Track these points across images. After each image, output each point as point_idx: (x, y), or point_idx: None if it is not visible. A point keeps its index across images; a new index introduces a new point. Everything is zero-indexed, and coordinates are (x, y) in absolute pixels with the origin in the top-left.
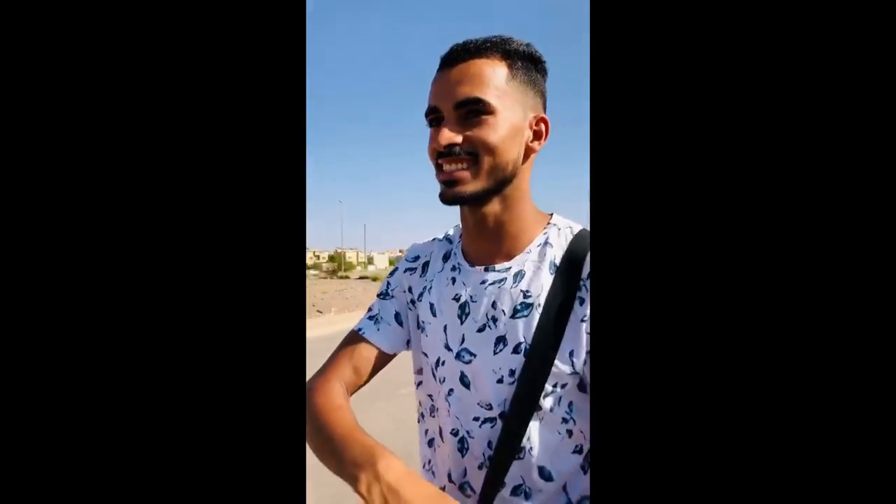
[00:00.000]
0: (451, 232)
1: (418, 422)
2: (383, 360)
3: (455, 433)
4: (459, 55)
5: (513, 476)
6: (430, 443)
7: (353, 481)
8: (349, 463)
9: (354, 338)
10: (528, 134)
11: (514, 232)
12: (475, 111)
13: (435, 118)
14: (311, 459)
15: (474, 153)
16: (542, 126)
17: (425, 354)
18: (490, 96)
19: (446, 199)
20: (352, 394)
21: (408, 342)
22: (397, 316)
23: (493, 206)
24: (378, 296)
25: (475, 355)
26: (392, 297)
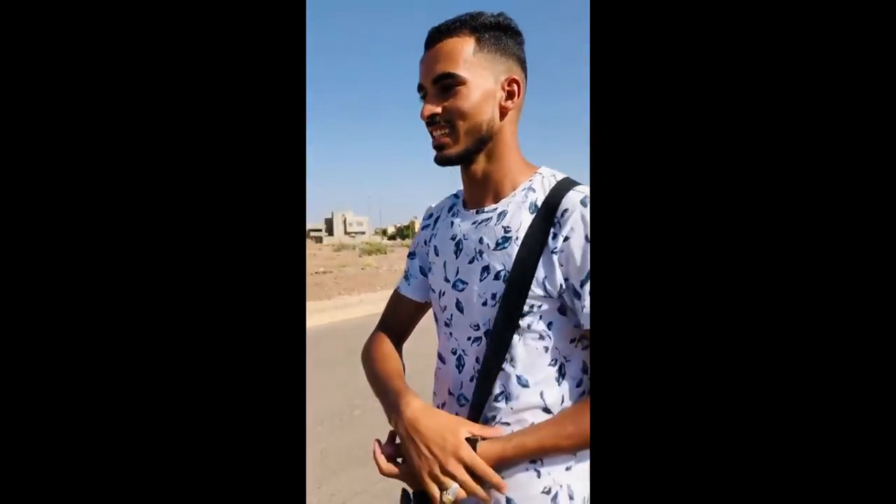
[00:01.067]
0: (461, 188)
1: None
2: (419, 308)
3: (454, 352)
4: (435, 37)
5: (497, 385)
6: (440, 360)
7: (390, 421)
8: (386, 407)
9: (395, 296)
10: (501, 94)
11: (500, 179)
12: (449, 84)
13: (423, 94)
14: (311, 460)
15: (451, 120)
16: (515, 86)
17: (433, 290)
18: (460, 69)
19: (437, 161)
20: (404, 340)
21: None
22: (422, 269)
23: (480, 162)
24: (408, 256)
25: (466, 283)
26: (416, 253)
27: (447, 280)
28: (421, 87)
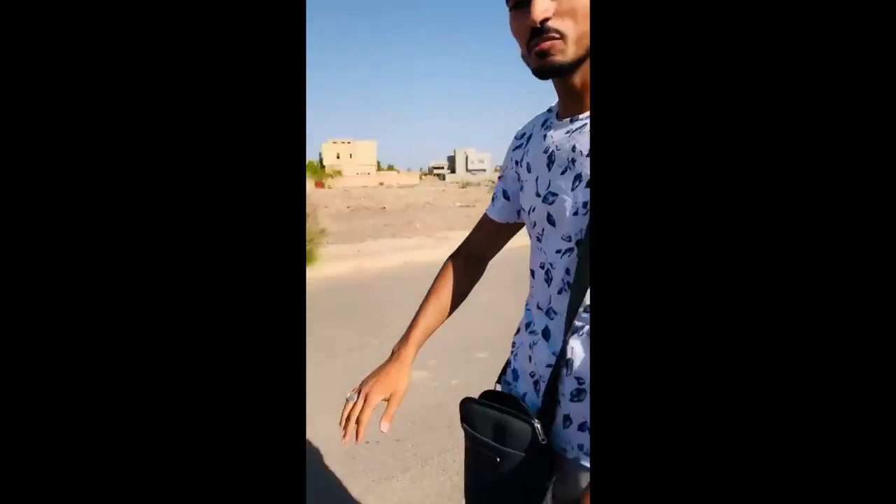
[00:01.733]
0: (553, 104)
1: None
2: (502, 229)
3: (542, 266)
4: None
5: (587, 296)
6: (531, 275)
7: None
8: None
9: (484, 218)
10: None
11: None
12: None
13: (518, 2)
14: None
15: (562, 25)
16: None
17: (524, 209)
18: None
19: (543, 70)
20: (485, 258)
21: (519, 212)
22: (505, 193)
23: (581, 71)
24: (499, 178)
25: (556, 195)
26: (503, 176)
27: (538, 195)
28: None
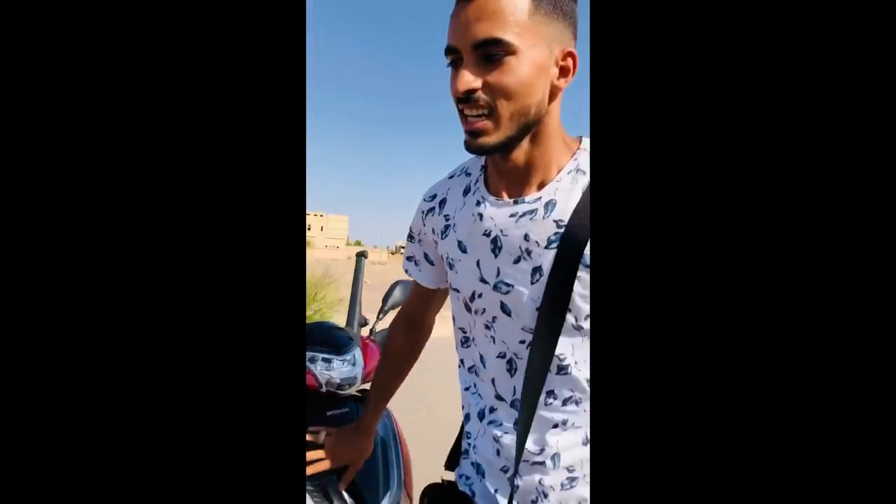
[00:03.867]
0: (468, 164)
1: (457, 350)
2: (434, 293)
3: (503, 356)
4: None
5: (565, 389)
6: (471, 369)
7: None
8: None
9: (414, 283)
10: (555, 71)
11: (545, 165)
12: (495, 53)
13: (454, 59)
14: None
15: (493, 100)
16: (570, 61)
17: (456, 290)
18: (510, 35)
19: (471, 149)
20: (431, 319)
21: (443, 290)
22: (426, 256)
23: (521, 149)
24: (408, 238)
25: (511, 286)
26: (420, 240)
27: (484, 281)
28: (452, 50)
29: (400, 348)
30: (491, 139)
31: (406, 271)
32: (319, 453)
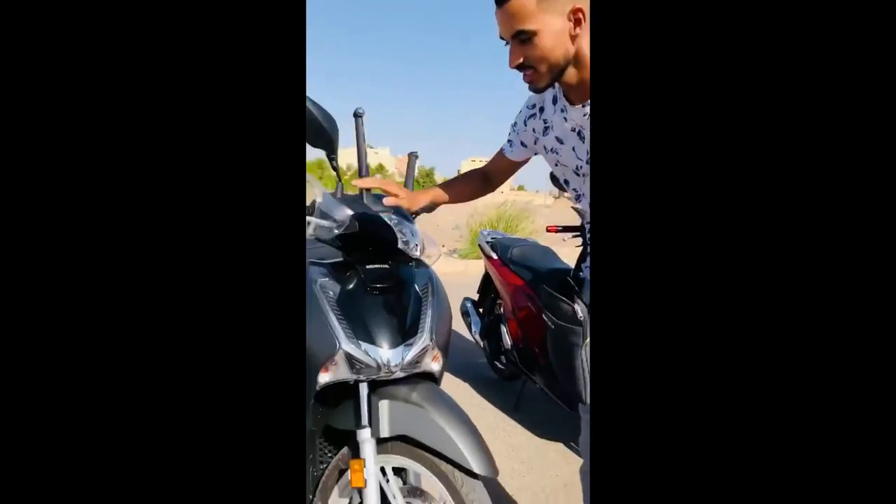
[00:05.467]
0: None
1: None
2: (512, 166)
3: None
4: None
5: None
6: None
7: None
8: None
9: (500, 152)
10: (570, 26)
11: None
12: (524, 38)
13: (506, 43)
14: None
15: (533, 65)
16: (580, 13)
17: (565, 165)
18: (528, 24)
19: (534, 92)
20: (497, 185)
21: (536, 153)
22: (522, 143)
23: (569, 75)
24: (512, 126)
25: None
26: (519, 131)
27: (580, 158)
28: (502, 38)
29: (471, 185)
30: (540, 85)
31: (502, 150)
32: (383, 181)
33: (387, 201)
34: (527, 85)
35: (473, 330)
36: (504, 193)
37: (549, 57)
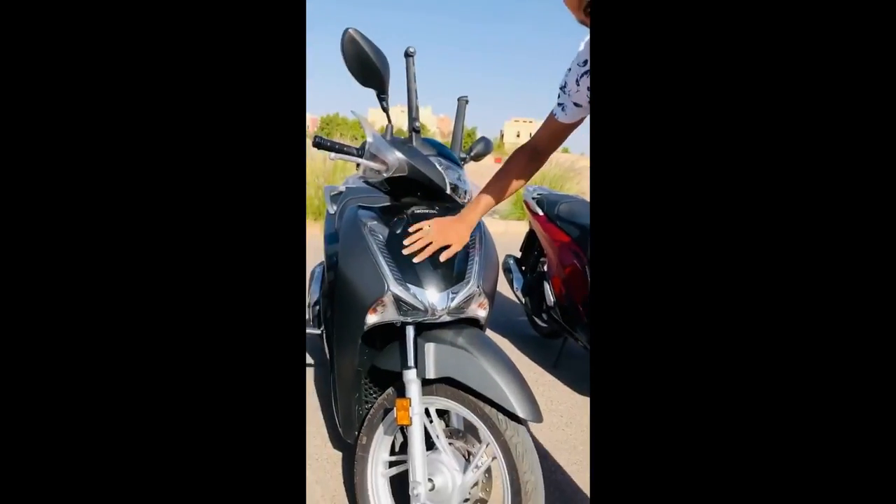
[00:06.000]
0: None
1: None
2: (566, 130)
3: None
4: None
5: None
6: None
7: None
8: None
9: (550, 118)
10: None
11: None
12: None
13: None
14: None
15: None
16: None
17: None
18: None
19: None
20: (549, 153)
21: (582, 119)
22: (575, 104)
23: None
24: (560, 88)
25: None
26: (570, 91)
27: None
28: None
29: (519, 171)
30: None
31: (553, 115)
32: (427, 238)
33: (443, 257)
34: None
35: (515, 287)
36: (568, 153)
37: None
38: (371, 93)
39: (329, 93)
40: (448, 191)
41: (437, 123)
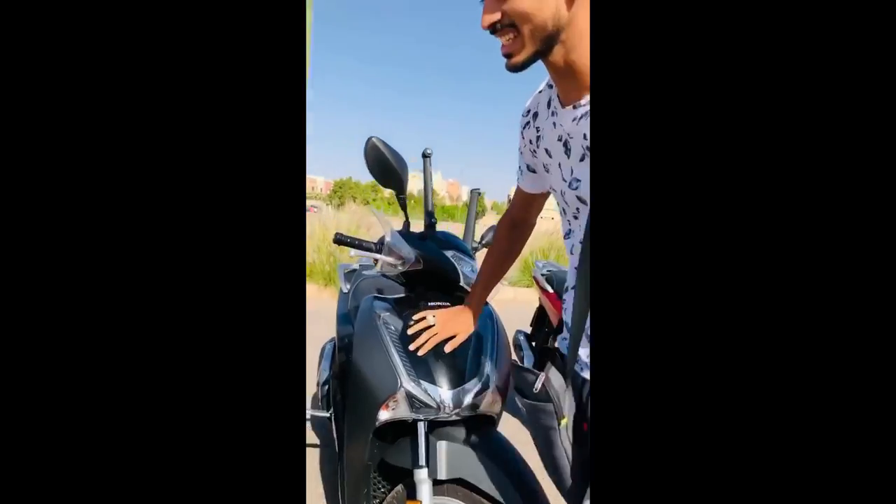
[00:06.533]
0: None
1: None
2: (535, 198)
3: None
4: None
5: None
6: (571, 251)
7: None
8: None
9: (517, 188)
10: None
11: (586, 67)
12: None
13: (482, 1)
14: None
15: (513, 24)
16: None
17: (554, 189)
18: None
19: (509, 68)
20: (527, 224)
21: (543, 193)
22: (528, 166)
23: (557, 55)
24: (518, 151)
25: (580, 181)
26: (522, 152)
27: (564, 180)
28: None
29: (503, 245)
30: (521, 57)
31: (517, 181)
32: (431, 330)
33: (448, 347)
34: (506, 63)
35: (526, 364)
36: (555, 220)
37: (535, 14)
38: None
39: (342, 157)
40: (461, 282)
41: (446, 188)
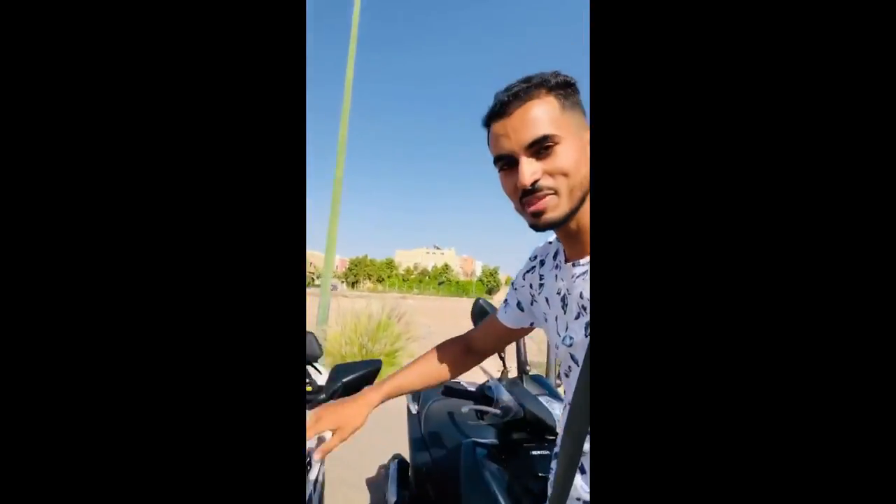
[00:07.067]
0: None
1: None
2: (510, 333)
3: None
4: (512, 103)
5: None
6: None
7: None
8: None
9: (492, 318)
10: (588, 151)
11: (587, 227)
12: (545, 147)
13: (506, 163)
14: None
15: (554, 182)
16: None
17: (552, 343)
18: (554, 129)
19: (539, 228)
20: (488, 355)
21: (532, 322)
22: (519, 304)
23: (575, 219)
24: (511, 285)
25: (573, 338)
26: (517, 289)
27: (559, 335)
28: (503, 157)
29: (450, 362)
30: (556, 213)
31: (495, 313)
32: (316, 417)
33: (331, 442)
34: (531, 221)
35: None
36: None
37: (575, 173)
38: (396, 236)
39: (358, 235)
40: (559, 430)
41: (460, 264)
